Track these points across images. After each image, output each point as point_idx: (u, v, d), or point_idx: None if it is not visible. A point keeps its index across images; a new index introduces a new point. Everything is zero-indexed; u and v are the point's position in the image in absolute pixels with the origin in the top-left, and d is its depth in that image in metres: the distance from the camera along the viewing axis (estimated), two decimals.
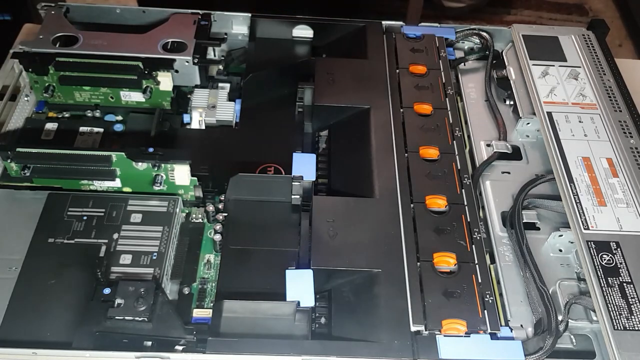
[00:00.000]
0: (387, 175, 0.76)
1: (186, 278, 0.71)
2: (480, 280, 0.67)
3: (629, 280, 0.66)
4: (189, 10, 0.92)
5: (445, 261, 0.68)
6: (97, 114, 0.86)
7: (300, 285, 0.64)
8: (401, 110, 0.84)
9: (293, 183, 0.73)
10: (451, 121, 0.83)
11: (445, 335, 0.63)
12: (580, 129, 0.82)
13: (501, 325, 0.64)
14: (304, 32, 0.96)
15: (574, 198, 0.73)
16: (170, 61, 0.84)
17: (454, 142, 0.81)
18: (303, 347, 0.61)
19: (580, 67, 0.91)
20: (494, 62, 0.96)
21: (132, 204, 0.74)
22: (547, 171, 0.80)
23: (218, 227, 0.73)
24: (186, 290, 0.70)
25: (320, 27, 0.96)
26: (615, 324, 0.62)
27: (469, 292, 0.66)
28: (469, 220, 0.72)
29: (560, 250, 0.74)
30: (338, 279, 0.68)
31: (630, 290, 0.65)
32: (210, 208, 0.75)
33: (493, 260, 0.72)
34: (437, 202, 0.74)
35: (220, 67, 0.94)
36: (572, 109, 0.84)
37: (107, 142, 0.81)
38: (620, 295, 0.65)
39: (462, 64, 0.96)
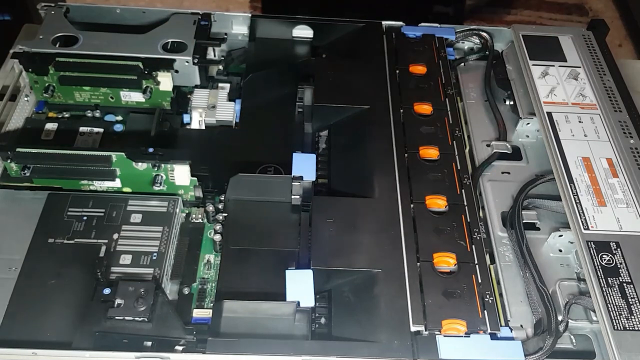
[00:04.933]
0: (387, 175, 0.76)
1: (186, 278, 0.71)
2: (480, 281, 0.67)
3: (629, 280, 0.66)
4: (189, 10, 0.92)
5: (445, 261, 0.68)
6: (97, 114, 0.86)
7: (300, 286, 0.64)
8: (401, 110, 0.84)
9: (293, 183, 0.73)
10: (451, 121, 0.83)
11: (445, 336, 0.63)
12: (580, 129, 0.82)
13: (501, 326, 0.64)
14: (304, 32, 0.96)
15: (574, 198, 0.73)
16: (170, 61, 0.84)
17: (454, 142, 0.81)
18: (303, 347, 0.61)
19: (580, 67, 0.91)
20: (494, 62, 0.96)
21: (132, 204, 0.74)
22: (547, 171, 0.80)
23: (218, 227, 0.73)
24: (186, 290, 0.70)
25: (320, 27, 0.96)
26: (615, 324, 0.62)
27: (469, 292, 0.66)
28: (469, 220, 0.72)
29: (560, 250, 0.74)
30: (338, 279, 0.68)
31: (630, 290, 0.65)
32: (210, 208, 0.75)
33: (493, 261, 0.72)
34: (437, 202, 0.74)
35: (220, 67, 0.94)
36: (572, 109, 0.84)
37: (107, 142, 0.81)
38: (620, 295, 0.65)
39: (462, 64, 0.97)
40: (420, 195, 0.74)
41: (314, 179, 0.74)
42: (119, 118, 0.85)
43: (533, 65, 0.90)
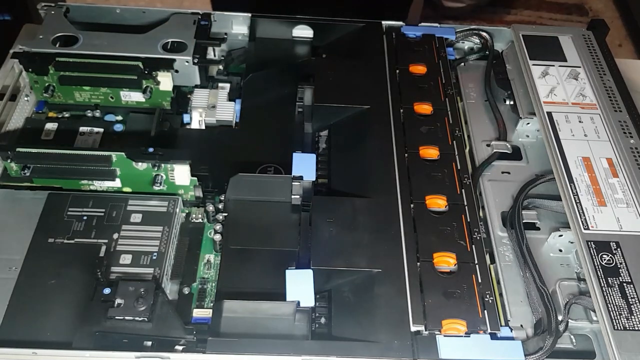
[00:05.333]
0: (387, 175, 0.76)
1: (186, 278, 0.71)
2: (480, 280, 0.67)
3: (629, 280, 0.66)
4: (189, 10, 0.92)
5: (445, 261, 0.68)
6: (97, 114, 0.86)
7: (300, 285, 0.64)
8: (401, 110, 0.84)
9: (293, 183, 0.73)
10: (451, 121, 0.83)
11: (445, 335, 0.63)
12: (580, 129, 0.82)
13: (501, 325, 0.64)
14: (304, 32, 0.96)
15: (574, 198, 0.73)
16: (170, 61, 0.84)
17: (454, 142, 0.81)
18: (303, 347, 0.61)
19: (580, 67, 0.91)
20: (494, 62, 0.96)
21: (132, 204, 0.74)
22: (547, 171, 0.80)
23: (218, 227, 0.73)
24: (186, 290, 0.70)
25: (320, 27, 0.96)
26: (615, 324, 0.62)
27: (469, 292, 0.66)
28: (469, 220, 0.72)
29: (560, 250, 0.74)
30: (338, 279, 0.68)
31: (630, 290, 0.65)
32: (210, 208, 0.75)
33: (493, 260, 0.72)
34: (437, 202, 0.74)
35: (220, 67, 0.94)
36: (572, 109, 0.84)
37: (107, 142, 0.81)
38: (620, 295, 0.65)
39: (462, 63, 0.97)
40: (420, 195, 0.74)
41: (314, 179, 0.74)
42: (119, 118, 0.85)
43: (533, 65, 0.90)
